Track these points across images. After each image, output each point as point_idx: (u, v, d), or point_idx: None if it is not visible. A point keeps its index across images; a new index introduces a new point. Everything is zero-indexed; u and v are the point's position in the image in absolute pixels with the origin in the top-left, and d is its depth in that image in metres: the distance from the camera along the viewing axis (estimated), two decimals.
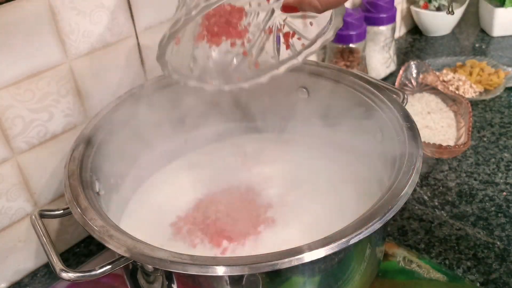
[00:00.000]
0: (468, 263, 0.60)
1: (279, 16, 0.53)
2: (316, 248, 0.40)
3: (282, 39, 0.55)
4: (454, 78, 0.93)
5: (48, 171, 0.63)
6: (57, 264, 0.42)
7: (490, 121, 0.85)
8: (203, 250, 0.56)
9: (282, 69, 0.56)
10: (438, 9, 1.13)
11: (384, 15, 0.95)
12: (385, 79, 1.01)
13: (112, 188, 0.59)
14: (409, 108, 0.75)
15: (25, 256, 0.64)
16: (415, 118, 0.64)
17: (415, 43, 1.15)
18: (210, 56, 0.54)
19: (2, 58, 0.54)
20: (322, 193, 0.62)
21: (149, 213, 0.62)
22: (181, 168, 0.69)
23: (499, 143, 0.80)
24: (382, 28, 0.96)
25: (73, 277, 0.41)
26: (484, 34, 1.16)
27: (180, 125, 0.68)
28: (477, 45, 1.12)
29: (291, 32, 0.54)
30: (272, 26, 0.53)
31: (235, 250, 0.55)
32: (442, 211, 0.68)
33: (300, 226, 0.58)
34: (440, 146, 0.72)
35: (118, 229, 0.44)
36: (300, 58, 0.56)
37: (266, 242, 0.56)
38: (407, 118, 0.54)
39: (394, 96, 0.58)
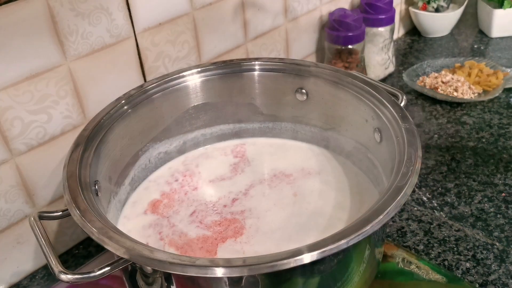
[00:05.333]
0: (467, 264, 0.60)
1: None
2: (315, 249, 0.40)
3: None
4: (452, 79, 0.93)
5: (47, 173, 0.63)
6: (56, 266, 0.42)
7: (489, 122, 0.85)
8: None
9: None
10: (437, 10, 1.13)
11: (383, 16, 0.95)
12: (383, 80, 1.01)
13: (111, 190, 0.59)
14: None
15: (24, 258, 0.64)
16: None
17: (414, 44, 1.15)
18: None
19: (1, 59, 0.54)
20: (321, 194, 0.62)
21: (146, 212, 0.62)
22: (179, 168, 0.69)
23: (498, 144, 0.80)
24: (381, 29, 0.96)
25: (72, 279, 0.41)
26: (482, 35, 1.16)
27: (178, 126, 0.69)
28: (475, 46, 1.12)
29: None
30: None
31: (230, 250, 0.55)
32: (441, 212, 0.68)
33: (298, 227, 0.58)
34: None
35: (117, 231, 0.44)
36: None
37: (259, 240, 0.57)
38: (406, 119, 0.54)
39: (393, 97, 0.58)
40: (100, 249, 0.66)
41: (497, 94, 0.91)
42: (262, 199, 0.63)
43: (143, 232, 0.60)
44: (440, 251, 0.62)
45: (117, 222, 0.60)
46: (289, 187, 0.64)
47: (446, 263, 0.61)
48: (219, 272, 0.39)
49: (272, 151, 0.71)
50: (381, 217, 0.43)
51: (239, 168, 0.68)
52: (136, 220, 0.62)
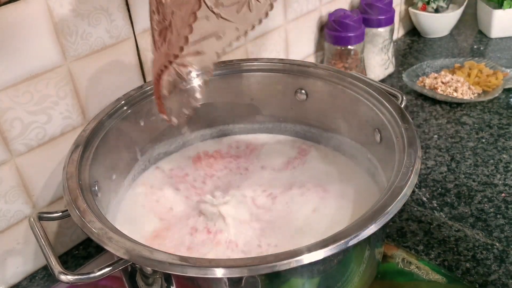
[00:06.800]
0: (467, 265, 0.60)
1: None
2: (315, 249, 0.40)
3: None
4: (452, 79, 0.93)
5: (47, 174, 0.63)
6: (56, 267, 0.42)
7: (489, 123, 0.86)
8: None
9: None
10: (436, 10, 1.13)
11: (383, 17, 0.95)
12: (383, 80, 1.01)
13: (110, 190, 0.59)
14: None
15: (24, 259, 0.64)
16: None
17: (414, 45, 1.15)
18: None
19: (0, 59, 0.54)
20: (320, 194, 0.62)
21: (143, 213, 0.62)
22: (178, 168, 0.69)
23: (498, 144, 0.80)
24: (381, 29, 0.96)
25: (71, 279, 0.41)
26: (482, 36, 1.16)
27: (178, 127, 0.68)
28: (475, 46, 1.12)
29: None
30: None
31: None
32: (441, 213, 0.68)
33: (297, 228, 0.58)
34: None
35: (116, 231, 0.44)
36: None
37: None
38: (406, 119, 0.54)
39: (392, 97, 0.58)
40: (100, 249, 0.66)
41: (496, 95, 0.91)
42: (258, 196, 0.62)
43: (164, 180, 0.66)
44: (440, 251, 0.62)
45: (115, 221, 0.60)
46: (287, 186, 0.64)
47: (446, 263, 0.61)
48: (219, 272, 0.39)
49: (272, 150, 0.71)
50: (381, 217, 0.43)
51: (291, 165, 0.68)
52: (173, 162, 0.68)
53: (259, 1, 0.53)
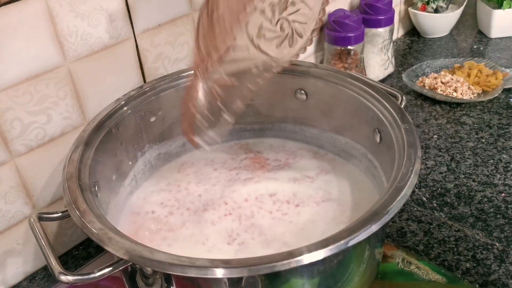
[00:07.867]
0: (467, 265, 0.60)
1: None
2: (315, 250, 0.40)
3: None
4: (452, 79, 0.93)
5: (47, 174, 0.63)
6: (56, 267, 0.42)
7: (489, 123, 0.86)
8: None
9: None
10: (436, 10, 1.13)
11: (382, 17, 0.95)
12: (383, 80, 1.01)
13: (110, 191, 0.59)
14: None
15: (24, 259, 0.64)
16: None
17: (413, 45, 1.15)
18: None
19: (0, 60, 0.54)
20: (320, 194, 0.62)
21: (145, 213, 0.62)
22: (178, 169, 0.69)
23: (498, 145, 0.80)
24: (380, 30, 0.96)
25: (72, 280, 0.41)
26: (482, 36, 1.16)
27: (178, 127, 0.68)
28: (475, 46, 1.12)
29: None
30: None
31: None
32: (441, 213, 0.68)
33: (296, 228, 0.58)
34: None
35: (116, 232, 0.44)
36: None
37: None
38: (405, 119, 0.54)
39: (392, 98, 0.58)
40: (100, 250, 0.66)
41: (496, 95, 0.91)
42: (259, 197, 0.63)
43: (165, 179, 0.66)
44: (440, 251, 0.62)
45: (116, 222, 0.60)
46: (287, 186, 0.64)
47: (446, 263, 0.61)
48: (219, 273, 0.39)
49: (271, 150, 0.71)
50: (381, 217, 0.43)
51: (237, 167, 0.68)
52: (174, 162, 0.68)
53: (300, 37, 0.52)
